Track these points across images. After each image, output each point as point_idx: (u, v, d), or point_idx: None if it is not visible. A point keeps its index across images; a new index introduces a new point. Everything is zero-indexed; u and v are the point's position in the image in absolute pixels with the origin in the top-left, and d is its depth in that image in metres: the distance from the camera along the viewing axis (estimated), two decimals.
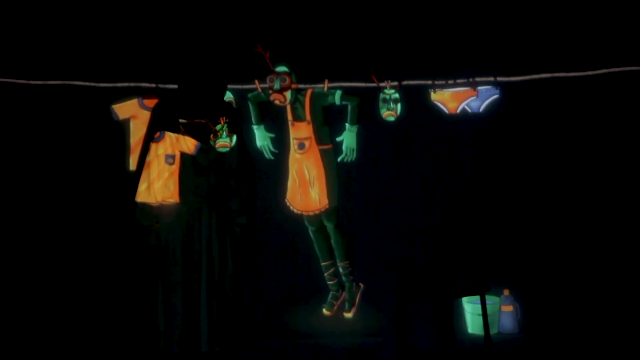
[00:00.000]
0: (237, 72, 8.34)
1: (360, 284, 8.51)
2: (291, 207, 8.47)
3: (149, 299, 5.91)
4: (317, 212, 8.46)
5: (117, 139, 8.34)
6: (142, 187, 5.88)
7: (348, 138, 8.44)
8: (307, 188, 8.44)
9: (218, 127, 5.93)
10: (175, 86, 8.20)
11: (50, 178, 8.37)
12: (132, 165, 8.24)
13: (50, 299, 8.33)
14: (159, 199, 5.86)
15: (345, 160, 8.44)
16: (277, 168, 8.47)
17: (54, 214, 8.36)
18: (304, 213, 8.47)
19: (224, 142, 6.00)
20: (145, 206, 5.90)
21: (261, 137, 8.47)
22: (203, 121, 5.92)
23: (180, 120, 5.91)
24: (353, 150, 8.44)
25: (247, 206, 6.11)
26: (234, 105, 8.38)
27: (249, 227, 6.17)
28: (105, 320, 8.30)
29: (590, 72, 8.34)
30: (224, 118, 5.93)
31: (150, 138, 5.94)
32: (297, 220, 8.50)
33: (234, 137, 5.94)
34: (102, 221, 8.33)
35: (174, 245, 5.90)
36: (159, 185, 5.86)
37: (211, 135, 5.95)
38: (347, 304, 8.49)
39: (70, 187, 8.37)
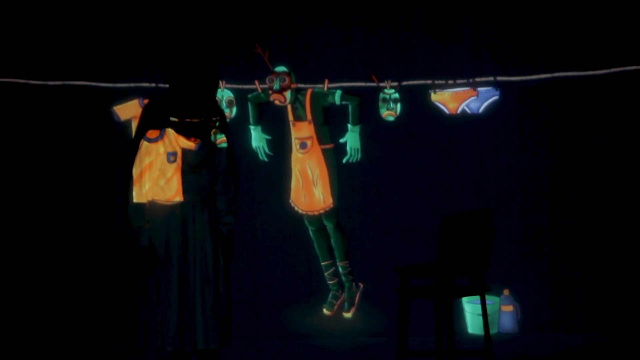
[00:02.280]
0: (235, 72, 8.36)
1: (360, 283, 8.51)
2: (296, 208, 8.48)
3: (142, 298, 5.89)
4: (321, 211, 8.46)
5: (117, 139, 8.37)
6: (144, 188, 5.87)
7: (351, 139, 8.43)
8: (310, 188, 8.44)
9: (217, 124, 5.92)
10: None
11: (49, 178, 8.37)
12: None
13: (48, 297, 8.34)
14: (160, 198, 5.85)
15: (350, 161, 8.44)
16: (278, 168, 8.47)
17: (51, 213, 8.36)
18: (308, 213, 8.47)
19: (223, 137, 6.00)
20: (138, 206, 5.88)
21: (257, 138, 8.47)
22: (195, 120, 5.89)
23: (172, 119, 5.89)
24: (357, 150, 8.44)
25: (234, 205, 6.10)
26: (234, 104, 8.37)
27: (236, 226, 6.16)
28: (99, 320, 8.32)
29: (590, 72, 8.35)
30: (217, 116, 5.92)
31: (140, 136, 5.91)
32: (297, 220, 8.50)
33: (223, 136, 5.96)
34: (98, 221, 8.37)
35: (169, 244, 5.88)
36: (161, 185, 5.85)
37: (212, 131, 5.93)
38: (346, 304, 8.49)
39: (68, 187, 8.38)
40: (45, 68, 8.35)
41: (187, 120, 5.87)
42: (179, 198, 5.87)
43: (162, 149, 5.89)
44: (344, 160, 8.46)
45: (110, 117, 8.33)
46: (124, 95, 8.34)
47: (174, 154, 5.90)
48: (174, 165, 5.89)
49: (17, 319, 8.28)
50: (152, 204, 5.89)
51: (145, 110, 6.02)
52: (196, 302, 5.87)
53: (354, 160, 8.45)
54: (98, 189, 8.39)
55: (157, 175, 5.89)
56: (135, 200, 5.87)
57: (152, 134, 5.93)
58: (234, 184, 6.11)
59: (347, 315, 8.48)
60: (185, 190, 5.90)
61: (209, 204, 5.99)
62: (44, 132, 8.36)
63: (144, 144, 5.92)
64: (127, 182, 5.92)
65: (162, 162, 5.89)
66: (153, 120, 5.92)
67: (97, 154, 8.39)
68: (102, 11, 8.39)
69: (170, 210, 5.88)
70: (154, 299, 5.85)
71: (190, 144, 5.90)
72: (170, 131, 5.91)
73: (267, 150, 8.48)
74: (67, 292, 8.34)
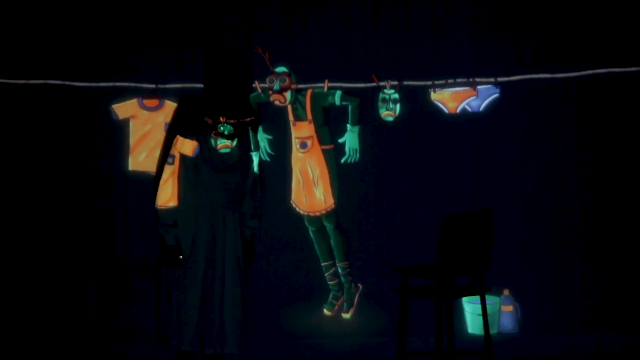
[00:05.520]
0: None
1: (359, 284, 8.51)
2: (297, 209, 8.48)
3: (164, 297, 5.89)
4: (322, 212, 8.46)
5: (116, 138, 8.38)
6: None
7: (350, 139, 8.44)
8: (311, 188, 8.44)
9: (219, 126, 5.89)
10: (176, 85, 8.26)
11: (48, 177, 8.37)
12: (132, 165, 8.28)
13: (44, 296, 8.35)
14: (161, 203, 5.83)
15: (348, 161, 8.44)
16: (278, 168, 8.47)
17: (49, 213, 8.37)
18: (310, 214, 8.48)
19: (226, 142, 5.95)
20: (166, 207, 5.85)
21: (259, 138, 8.47)
22: (232, 121, 5.87)
23: (206, 120, 5.87)
24: (356, 150, 8.44)
25: (260, 209, 6.11)
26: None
27: (259, 230, 6.16)
28: (97, 320, 8.35)
29: (590, 72, 8.35)
30: (224, 117, 5.88)
31: (171, 140, 5.88)
32: (297, 220, 8.50)
33: (235, 140, 5.91)
34: (96, 220, 8.38)
35: (195, 244, 5.87)
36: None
37: (212, 134, 5.90)
38: (345, 305, 8.49)
39: (67, 187, 8.38)
40: (45, 68, 8.35)
41: (224, 120, 5.87)
42: (173, 202, 5.85)
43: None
44: (342, 160, 8.46)
45: (110, 117, 8.33)
46: (124, 95, 8.33)
47: (172, 156, 5.90)
48: (172, 167, 5.88)
49: (12, 319, 8.29)
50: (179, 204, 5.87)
51: (178, 111, 5.98)
52: (219, 303, 5.86)
53: (352, 161, 8.46)
54: (96, 189, 8.39)
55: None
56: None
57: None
58: (262, 189, 6.14)
59: (346, 316, 8.48)
60: (207, 188, 5.88)
61: (239, 205, 5.99)
62: (43, 132, 8.36)
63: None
64: (155, 188, 5.90)
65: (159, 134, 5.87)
66: (186, 121, 5.89)
67: (96, 154, 8.39)
68: (102, 11, 8.39)
69: (200, 211, 5.87)
70: (176, 298, 5.84)
71: (188, 150, 5.87)
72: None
73: (268, 150, 8.48)
74: (63, 292, 8.35)
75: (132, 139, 8.22)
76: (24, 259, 8.34)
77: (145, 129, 8.19)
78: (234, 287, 5.90)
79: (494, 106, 8.40)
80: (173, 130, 5.92)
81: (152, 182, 7.90)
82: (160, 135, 8.13)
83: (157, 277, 5.92)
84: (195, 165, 5.88)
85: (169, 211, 5.84)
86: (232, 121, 5.87)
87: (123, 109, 8.31)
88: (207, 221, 5.88)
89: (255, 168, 6.07)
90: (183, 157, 5.91)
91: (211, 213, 5.89)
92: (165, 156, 5.89)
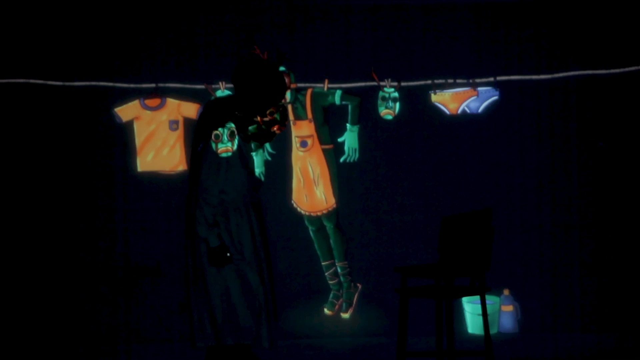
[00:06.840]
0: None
1: (358, 284, 8.51)
2: (298, 209, 8.48)
3: (195, 301, 5.91)
4: (324, 211, 8.46)
5: (117, 140, 8.39)
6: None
7: (350, 138, 8.44)
8: (312, 187, 8.44)
9: (220, 129, 5.87)
10: (176, 85, 8.28)
11: (49, 178, 8.38)
12: (140, 166, 8.28)
13: (46, 296, 8.36)
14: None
15: (347, 160, 8.45)
16: (277, 168, 8.48)
17: (50, 213, 8.37)
18: (311, 214, 8.48)
19: (227, 147, 5.93)
20: (202, 210, 5.85)
21: None
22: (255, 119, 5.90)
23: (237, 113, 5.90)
24: (355, 150, 8.45)
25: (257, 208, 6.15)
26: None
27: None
28: (120, 319, 8.38)
29: (590, 72, 8.36)
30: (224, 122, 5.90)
31: (198, 142, 5.88)
32: (297, 220, 8.51)
33: (235, 141, 5.91)
34: (96, 221, 8.39)
35: (239, 242, 5.89)
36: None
37: (212, 137, 5.88)
38: (344, 305, 8.50)
39: (68, 187, 8.39)
40: (46, 68, 8.35)
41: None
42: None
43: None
44: (342, 160, 8.46)
45: (111, 117, 8.33)
46: (124, 96, 8.34)
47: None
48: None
49: (16, 319, 8.30)
50: (218, 202, 5.89)
51: (204, 115, 5.97)
52: (252, 300, 5.90)
53: (352, 160, 8.46)
54: (97, 189, 8.39)
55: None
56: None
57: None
58: (258, 187, 6.20)
59: (345, 315, 8.49)
60: (243, 187, 5.91)
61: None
62: (44, 132, 8.37)
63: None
64: (193, 184, 5.90)
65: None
66: (215, 123, 5.89)
67: (97, 155, 8.39)
68: (103, 11, 8.39)
69: (235, 208, 5.90)
70: (210, 298, 5.86)
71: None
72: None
73: (269, 149, 8.49)
74: (64, 292, 8.36)
75: (138, 140, 8.21)
76: (32, 260, 8.35)
77: (150, 129, 8.19)
78: (262, 283, 5.94)
79: (494, 107, 8.41)
80: (200, 135, 5.91)
81: (159, 181, 7.98)
82: (165, 134, 8.14)
83: (185, 281, 5.94)
84: (227, 166, 5.90)
85: (209, 211, 5.85)
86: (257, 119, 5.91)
87: (125, 112, 8.30)
88: (239, 219, 5.91)
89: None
90: (218, 158, 5.90)
91: (241, 211, 5.92)
92: (196, 162, 5.89)
